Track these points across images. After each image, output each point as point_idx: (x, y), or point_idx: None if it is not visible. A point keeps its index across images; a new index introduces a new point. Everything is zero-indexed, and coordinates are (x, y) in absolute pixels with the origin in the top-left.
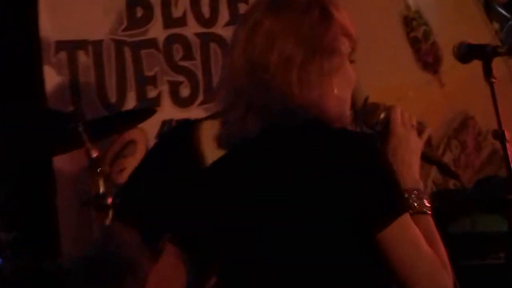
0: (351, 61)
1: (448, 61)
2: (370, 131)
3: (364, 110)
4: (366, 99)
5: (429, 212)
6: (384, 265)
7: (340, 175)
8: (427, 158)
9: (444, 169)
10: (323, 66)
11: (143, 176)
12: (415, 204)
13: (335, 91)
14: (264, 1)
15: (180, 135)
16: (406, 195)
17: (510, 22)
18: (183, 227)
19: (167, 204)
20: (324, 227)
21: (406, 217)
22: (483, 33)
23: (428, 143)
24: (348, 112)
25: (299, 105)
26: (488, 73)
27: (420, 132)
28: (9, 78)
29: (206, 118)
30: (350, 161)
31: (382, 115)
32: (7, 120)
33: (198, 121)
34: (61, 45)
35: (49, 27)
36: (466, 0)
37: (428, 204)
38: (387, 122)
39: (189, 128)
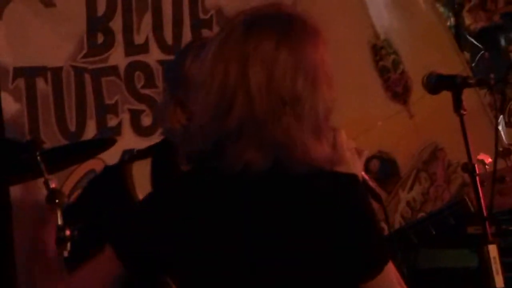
0: None
1: (418, 91)
2: None
3: None
4: None
5: None
6: None
7: (333, 222)
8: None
9: (371, 192)
10: (325, 104)
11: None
12: None
13: (329, 133)
14: (274, 26)
15: (110, 181)
16: None
17: (481, 52)
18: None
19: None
20: (313, 275)
21: (389, 265)
22: (453, 63)
23: (398, 175)
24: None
25: (299, 148)
26: (458, 104)
27: (359, 156)
28: None
29: (133, 159)
30: (347, 211)
31: (330, 137)
32: None
33: (127, 164)
34: (19, 71)
35: (7, 53)
36: (436, 29)
37: None
38: (334, 143)
39: (119, 172)
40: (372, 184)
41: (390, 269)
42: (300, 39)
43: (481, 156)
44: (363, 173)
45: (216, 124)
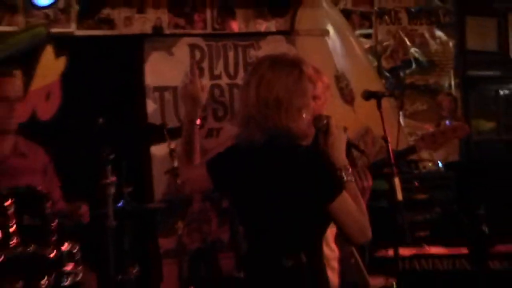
0: (314, 98)
1: (358, 99)
2: (319, 131)
3: (314, 118)
4: (322, 116)
5: (352, 180)
6: (335, 224)
7: (305, 173)
8: (348, 144)
9: (356, 148)
10: (299, 104)
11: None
12: (345, 176)
13: (304, 117)
14: (266, 62)
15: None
16: (340, 171)
17: (390, 79)
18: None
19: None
20: (296, 201)
21: (343, 194)
22: (377, 85)
23: (348, 144)
24: (309, 129)
25: (285, 127)
26: (379, 105)
27: (344, 131)
28: (128, 107)
29: None
30: (314, 164)
31: (325, 121)
32: (128, 129)
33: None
34: (156, 88)
35: (151, 79)
36: (367, 67)
37: (351, 176)
38: (327, 126)
39: None
40: (356, 143)
41: (346, 197)
42: (280, 67)
43: (426, 126)
44: (348, 138)
45: (239, 118)
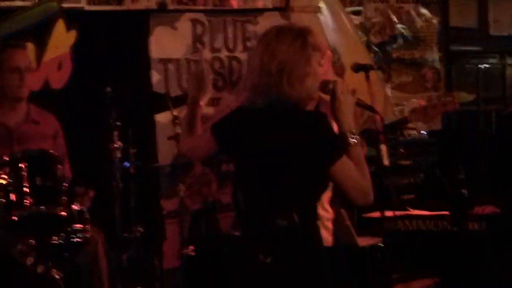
0: (320, 65)
1: (348, 72)
2: (325, 96)
3: (320, 84)
4: (328, 81)
5: (357, 144)
6: (335, 184)
7: (305, 136)
8: (358, 104)
9: (367, 107)
10: (300, 72)
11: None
12: (350, 139)
13: (307, 85)
14: (272, 32)
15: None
16: (346, 134)
17: (378, 53)
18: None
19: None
20: (294, 163)
21: (344, 157)
22: (365, 58)
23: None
24: (314, 95)
25: (287, 95)
26: (367, 78)
27: (352, 94)
28: (134, 77)
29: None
30: (314, 129)
31: (330, 86)
32: (134, 97)
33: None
34: (160, 60)
35: (155, 52)
36: (357, 42)
37: (357, 139)
38: (333, 90)
39: None
40: (367, 104)
41: (347, 161)
42: (285, 36)
43: (419, 101)
44: (359, 99)
45: (246, 86)
